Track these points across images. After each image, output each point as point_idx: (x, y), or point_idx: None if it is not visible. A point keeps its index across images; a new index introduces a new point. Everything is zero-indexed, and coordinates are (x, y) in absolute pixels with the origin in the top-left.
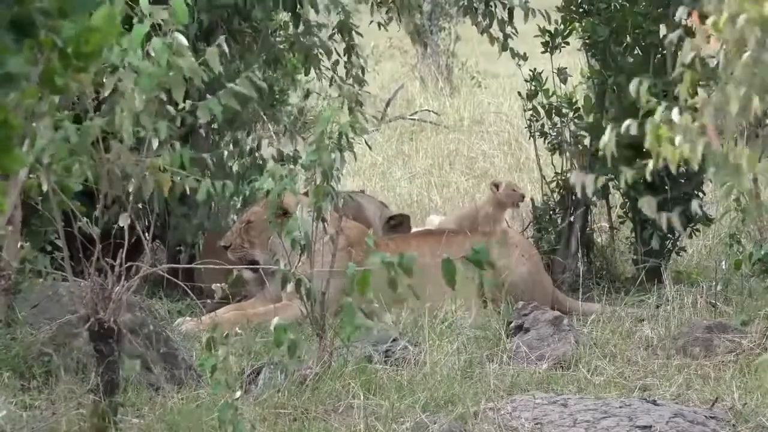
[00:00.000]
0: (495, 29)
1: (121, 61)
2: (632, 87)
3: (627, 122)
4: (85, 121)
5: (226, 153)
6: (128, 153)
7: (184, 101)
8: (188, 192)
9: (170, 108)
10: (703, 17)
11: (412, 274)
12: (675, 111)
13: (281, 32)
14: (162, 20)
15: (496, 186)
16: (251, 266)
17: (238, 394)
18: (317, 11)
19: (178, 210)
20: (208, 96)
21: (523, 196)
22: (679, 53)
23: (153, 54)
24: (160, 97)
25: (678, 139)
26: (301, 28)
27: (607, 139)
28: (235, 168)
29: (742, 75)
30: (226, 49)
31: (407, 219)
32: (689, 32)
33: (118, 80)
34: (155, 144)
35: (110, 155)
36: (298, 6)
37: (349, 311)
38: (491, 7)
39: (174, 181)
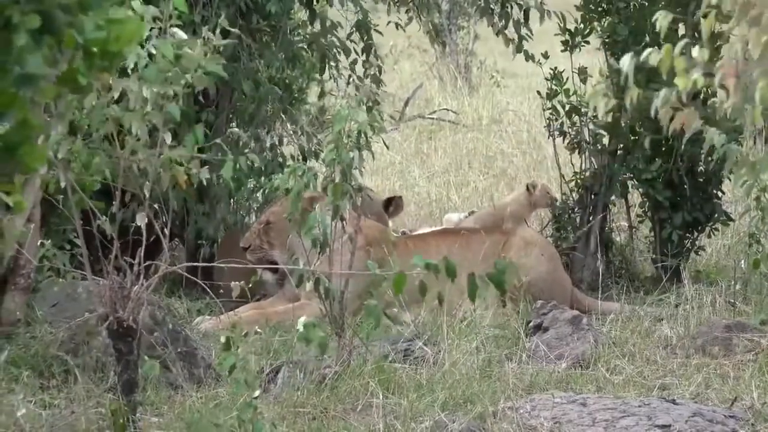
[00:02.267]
0: (510, 30)
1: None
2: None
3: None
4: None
5: (239, 132)
6: (143, 148)
7: (198, 99)
8: (205, 184)
9: (176, 89)
10: None
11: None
12: (696, 48)
13: (299, 31)
14: (156, 18)
15: (533, 187)
16: (271, 266)
17: (258, 393)
18: (331, 4)
19: (198, 208)
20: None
21: (555, 199)
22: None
23: (155, 52)
24: (167, 93)
25: (695, 72)
26: (318, 27)
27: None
28: (256, 163)
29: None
30: (212, 37)
31: (400, 199)
32: None
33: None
34: (168, 139)
35: (125, 151)
36: (315, 1)
37: (372, 311)
38: (507, 8)
39: (189, 174)
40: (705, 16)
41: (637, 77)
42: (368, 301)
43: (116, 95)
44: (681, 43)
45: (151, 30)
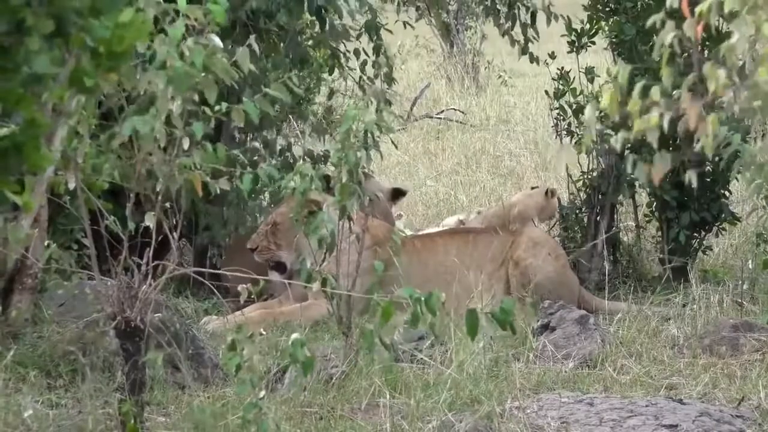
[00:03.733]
0: (517, 31)
1: (150, 61)
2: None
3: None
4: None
5: (258, 146)
6: (159, 152)
7: (216, 102)
8: (218, 191)
9: (207, 110)
10: (693, 5)
11: (437, 313)
12: (655, 88)
13: (307, 31)
14: (196, 20)
15: (552, 193)
16: (277, 260)
17: (262, 393)
18: (341, 17)
19: (210, 211)
20: (243, 99)
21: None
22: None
23: (187, 54)
24: (193, 98)
25: (654, 111)
26: (326, 28)
27: (588, 114)
28: (275, 177)
29: (725, 57)
30: (257, 49)
31: (404, 191)
32: (674, 16)
33: (148, 81)
34: (186, 144)
35: (140, 154)
36: (323, 11)
37: (368, 338)
38: (515, 9)
39: (205, 181)
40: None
41: (644, 77)
42: (366, 326)
43: (142, 91)
44: (639, 85)
45: (187, 31)
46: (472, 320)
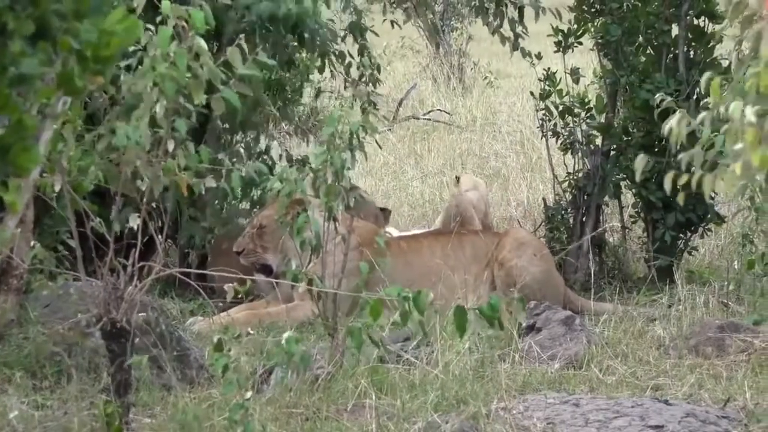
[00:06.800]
0: (506, 29)
1: (138, 63)
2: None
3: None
4: (100, 121)
5: (242, 150)
6: (144, 154)
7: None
8: (201, 193)
9: (188, 105)
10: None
11: (425, 311)
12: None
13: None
14: (185, 21)
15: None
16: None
17: (249, 394)
18: (329, 6)
19: (188, 212)
20: (220, 87)
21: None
22: (690, 52)
23: (172, 56)
24: (179, 101)
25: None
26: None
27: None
28: (244, 171)
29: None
30: (245, 47)
31: (389, 212)
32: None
33: (128, 88)
34: (171, 146)
35: (125, 156)
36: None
37: (357, 337)
38: (502, 6)
39: (190, 183)
40: None
41: (630, 78)
42: (354, 325)
43: (125, 92)
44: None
45: (176, 34)
46: (460, 317)
